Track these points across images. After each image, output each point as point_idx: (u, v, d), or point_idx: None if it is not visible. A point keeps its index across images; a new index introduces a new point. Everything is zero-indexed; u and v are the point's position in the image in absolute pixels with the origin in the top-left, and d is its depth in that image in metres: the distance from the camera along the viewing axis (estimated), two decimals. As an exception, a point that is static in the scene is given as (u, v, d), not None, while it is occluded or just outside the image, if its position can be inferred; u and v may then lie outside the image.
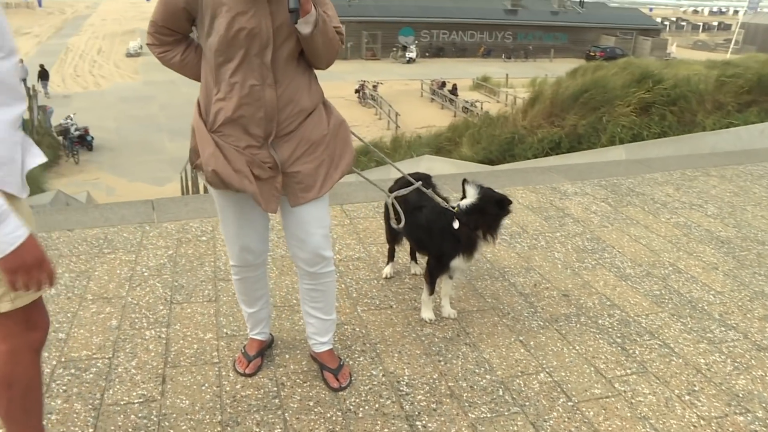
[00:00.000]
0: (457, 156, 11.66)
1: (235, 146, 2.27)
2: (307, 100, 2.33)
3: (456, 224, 2.99)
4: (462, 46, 49.80)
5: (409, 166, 10.50)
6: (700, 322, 3.36)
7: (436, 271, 3.16)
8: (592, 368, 2.91)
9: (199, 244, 4.09)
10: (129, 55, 46.04)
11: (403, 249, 3.80)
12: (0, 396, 1.87)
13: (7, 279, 1.58)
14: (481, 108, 28.60)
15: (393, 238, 3.60)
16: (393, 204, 3.10)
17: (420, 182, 3.18)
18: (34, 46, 49.00)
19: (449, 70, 42.05)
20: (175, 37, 2.30)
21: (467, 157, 11.24)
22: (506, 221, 3.14)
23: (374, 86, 34.57)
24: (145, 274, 3.68)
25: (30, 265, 1.58)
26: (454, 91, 34.22)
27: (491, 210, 3.00)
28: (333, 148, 2.43)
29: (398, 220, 3.10)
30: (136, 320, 3.19)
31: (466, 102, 31.30)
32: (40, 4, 77.99)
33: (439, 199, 3.09)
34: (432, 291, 3.22)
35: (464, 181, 3.11)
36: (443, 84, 35.64)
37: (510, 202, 3.02)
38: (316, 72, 2.42)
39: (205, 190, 12.51)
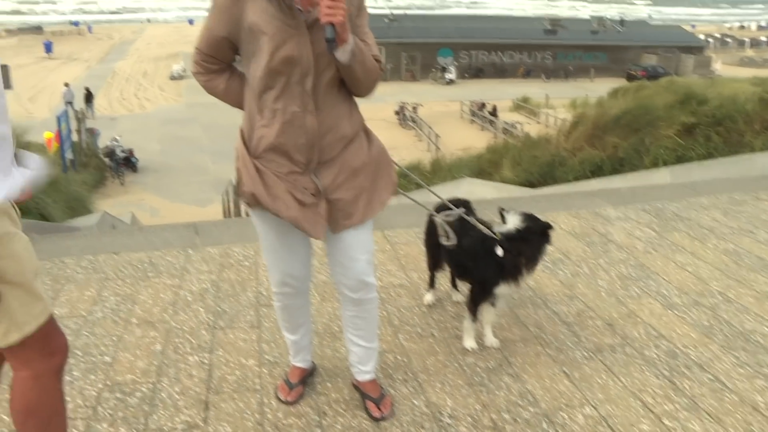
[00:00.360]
0: (498, 178, 11.59)
1: (277, 172, 2.29)
2: (348, 127, 2.35)
3: (499, 251, 2.97)
4: (501, 67, 49.72)
5: (450, 189, 10.48)
6: (755, 355, 3.24)
7: (478, 298, 3.13)
8: (639, 402, 2.83)
9: (242, 269, 4.13)
10: (173, 78, 47.05)
11: (445, 276, 3.78)
12: (25, 423, 1.89)
13: None
14: (522, 129, 28.45)
15: (434, 264, 3.58)
16: (442, 223, 3.09)
17: (462, 209, 3.17)
18: (84, 70, 50.41)
19: (489, 91, 42.00)
20: (219, 65, 2.35)
21: (508, 180, 11.17)
22: (548, 248, 3.10)
23: (414, 108, 34.68)
24: (189, 298, 3.73)
25: None
26: (494, 112, 34.14)
27: (534, 237, 2.98)
28: (374, 176, 2.44)
29: (448, 238, 3.08)
30: (180, 345, 3.22)
31: (507, 123, 31.18)
32: (90, 31, 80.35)
33: (481, 226, 3.07)
34: (474, 319, 3.18)
35: (501, 209, 3.10)
36: (483, 105, 35.58)
37: (551, 229, 2.99)
38: (358, 98, 2.44)
39: (247, 214, 12.64)
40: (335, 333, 3.32)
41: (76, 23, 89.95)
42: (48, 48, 58.07)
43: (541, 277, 4.04)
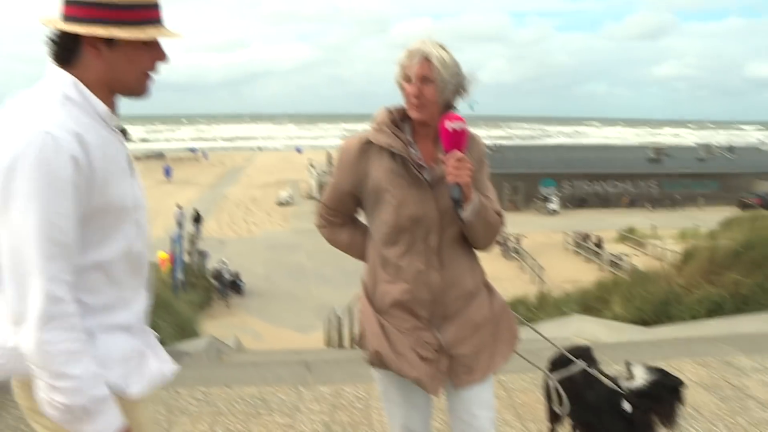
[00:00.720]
0: (609, 315, 11.13)
1: (400, 328, 2.28)
2: (471, 281, 2.34)
3: (628, 407, 2.77)
4: (605, 197, 49.15)
5: (558, 327, 10.14)
6: None
7: None
8: None
9: (354, 411, 4.04)
10: (280, 204, 49.12)
11: (566, 429, 3.55)
12: None
13: None
14: (629, 261, 27.61)
15: (554, 417, 3.38)
16: (555, 387, 2.93)
17: (581, 360, 3.02)
18: (198, 194, 53.60)
19: (592, 221, 41.37)
20: (343, 219, 2.42)
21: (619, 317, 10.70)
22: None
23: (517, 239, 34.52)
24: (301, 441, 3.66)
25: None
26: (599, 243, 33.45)
27: (665, 394, 2.78)
28: (496, 331, 2.40)
29: (561, 404, 2.91)
30: (292, 494, 3.13)
31: (613, 255, 30.38)
32: (206, 157, 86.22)
33: (605, 379, 2.90)
34: None
35: (627, 363, 2.93)
36: (587, 236, 34.99)
37: (683, 385, 2.79)
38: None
39: (353, 345, 12.66)
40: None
41: (194, 150, 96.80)
42: (167, 173, 62.42)
43: (672, 436, 3.73)
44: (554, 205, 46.46)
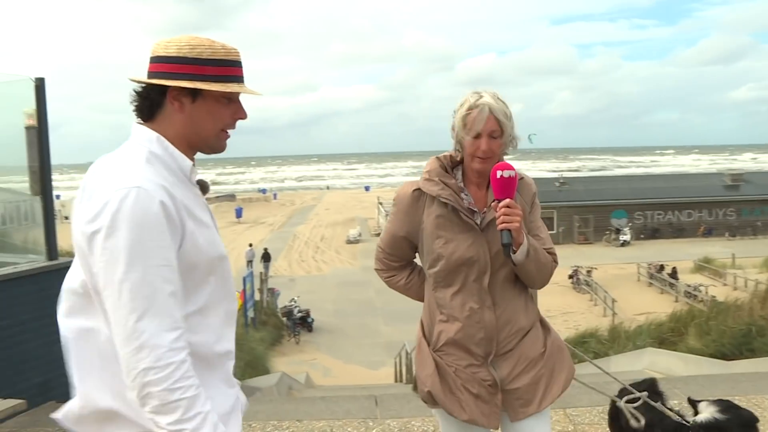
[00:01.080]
0: (684, 348, 10.80)
1: (456, 365, 2.36)
2: (524, 319, 2.41)
3: None
4: (679, 226, 47.58)
5: (630, 361, 9.91)
6: None
7: None
8: None
9: (421, 444, 4.08)
10: (348, 241, 49.54)
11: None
12: None
13: None
14: (706, 292, 26.61)
15: None
16: (627, 407, 2.91)
17: (645, 393, 2.98)
18: (268, 233, 54.67)
19: (666, 251, 40.11)
20: (400, 263, 2.54)
21: (695, 350, 10.36)
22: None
23: (588, 271, 33.80)
24: (368, 474, 3.71)
25: None
26: (673, 274, 32.38)
27: (735, 429, 2.72)
28: (552, 364, 2.45)
29: (639, 421, 2.89)
30: None
31: (689, 286, 29.34)
32: (275, 197, 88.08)
33: (669, 412, 2.86)
34: None
35: (690, 399, 2.88)
36: (661, 267, 33.93)
37: (757, 421, 2.72)
38: None
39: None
40: None
41: (263, 191, 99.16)
42: (238, 213, 64.09)
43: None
44: (626, 236, 45.27)
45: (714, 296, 22.19)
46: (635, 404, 2.93)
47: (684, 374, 7.09)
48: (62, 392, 5.31)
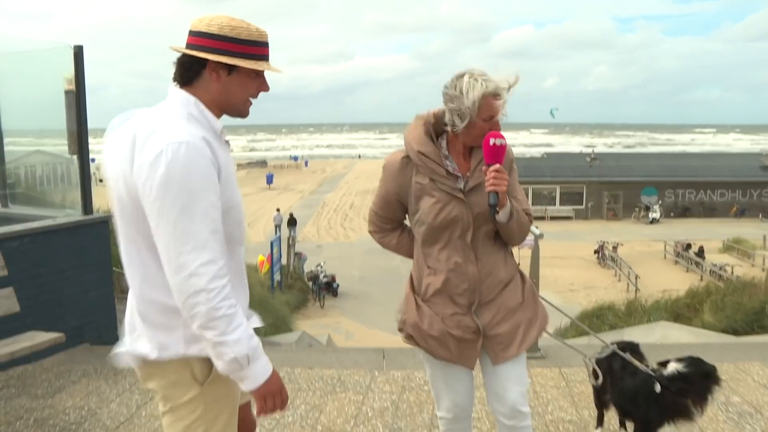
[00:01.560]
0: (698, 323, 10.96)
1: (442, 314, 2.65)
2: (504, 272, 2.69)
3: (657, 387, 3.02)
4: (711, 206, 47.02)
5: (644, 333, 10.11)
6: None
7: None
8: None
9: (421, 392, 4.42)
10: (378, 210, 49.89)
11: (615, 416, 3.79)
12: None
13: (257, 404, 1.99)
14: (732, 272, 26.49)
15: (601, 403, 3.63)
16: (588, 363, 3.21)
17: (615, 344, 3.27)
18: (298, 200, 55.28)
19: (696, 230, 39.77)
20: (391, 224, 2.83)
21: (708, 326, 10.53)
22: (717, 394, 3.07)
23: (614, 247, 33.76)
24: (369, 414, 4.07)
25: (274, 392, 1.98)
26: (700, 253, 32.20)
27: (695, 380, 3.00)
28: (529, 313, 2.72)
29: (596, 378, 3.19)
30: (357, 456, 3.54)
31: (714, 265, 29.22)
32: (306, 165, 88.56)
33: (638, 364, 3.14)
34: None
35: (660, 362, 3.16)
36: (689, 246, 33.75)
37: (715, 370, 3.00)
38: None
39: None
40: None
41: (295, 158, 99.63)
42: (269, 180, 64.77)
43: (721, 428, 3.89)
44: (655, 213, 44.93)
45: (739, 276, 22.09)
46: (605, 354, 3.23)
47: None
48: (95, 335, 5.78)
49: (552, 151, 61.96)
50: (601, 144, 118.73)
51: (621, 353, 3.20)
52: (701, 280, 26.53)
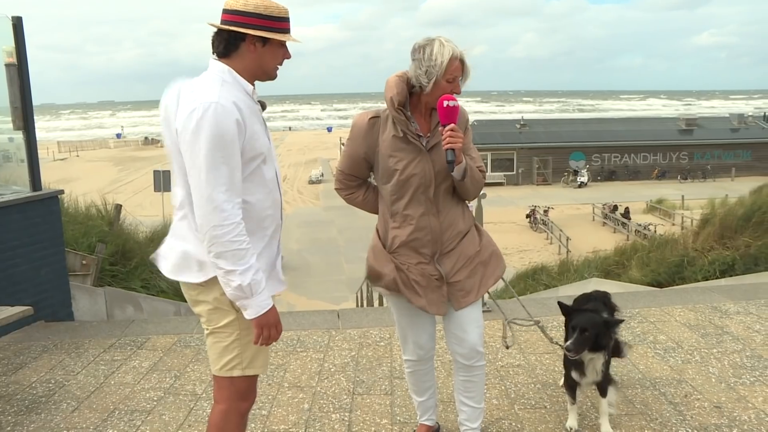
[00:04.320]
0: (626, 279, 11.61)
1: (408, 263, 2.91)
2: (462, 224, 2.97)
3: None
4: (635, 169, 48.96)
5: (576, 290, 10.64)
6: None
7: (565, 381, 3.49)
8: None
9: (378, 348, 4.70)
10: (311, 182, 49.87)
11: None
12: None
13: (255, 332, 2.30)
14: (655, 231, 27.79)
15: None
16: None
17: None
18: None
19: (622, 193, 41.44)
20: (357, 182, 3.06)
21: (636, 280, 11.18)
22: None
23: (545, 211, 34.84)
24: (332, 369, 4.33)
25: (271, 324, 2.32)
26: (626, 214, 33.63)
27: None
28: (486, 261, 3.01)
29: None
30: (324, 405, 3.80)
31: (639, 225, 30.61)
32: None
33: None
34: (572, 401, 3.49)
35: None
36: (615, 207, 35.17)
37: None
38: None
39: (380, 304, 13.36)
40: (457, 402, 3.78)
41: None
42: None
43: (650, 362, 4.31)
44: (583, 177, 46.45)
45: (661, 234, 23.22)
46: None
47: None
48: (50, 312, 5.81)
49: (482, 118, 62.80)
50: (528, 111, 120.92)
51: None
52: (627, 239, 27.76)
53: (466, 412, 3.16)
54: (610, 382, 3.39)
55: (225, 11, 2.32)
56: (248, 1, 2.30)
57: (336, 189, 3.14)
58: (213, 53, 2.38)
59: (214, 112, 2.18)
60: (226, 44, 2.33)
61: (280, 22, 2.34)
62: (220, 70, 2.34)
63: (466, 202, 3.04)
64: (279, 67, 2.44)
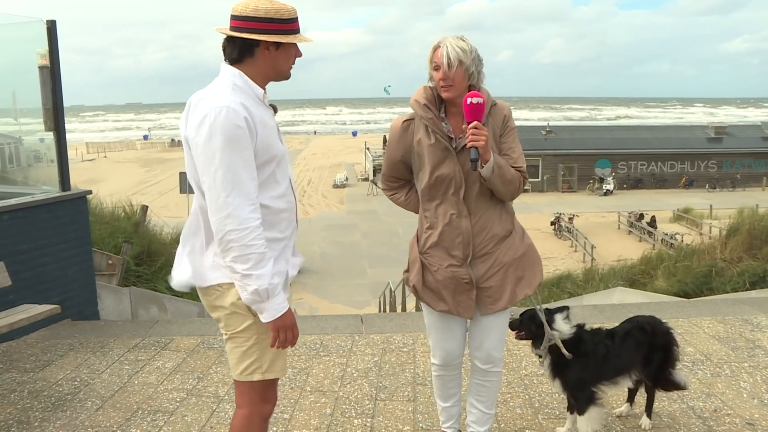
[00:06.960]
0: (651, 288, 11.49)
1: (438, 265, 2.90)
2: (499, 227, 2.92)
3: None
4: (661, 177, 48.36)
5: (602, 298, 10.55)
6: None
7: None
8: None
9: (401, 353, 4.68)
10: (335, 186, 49.95)
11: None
12: None
13: (272, 335, 2.29)
14: (682, 240, 27.43)
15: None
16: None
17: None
18: (257, 179, 54.83)
19: (648, 201, 40.95)
20: (399, 183, 3.08)
21: (661, 290, 11.05)
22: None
23: (570, 218, 34.57)
24: (354, 374, 4.31)
25: (287, 327, 2.31)
26: (652, 223, 33.23)
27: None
28: (522, 271, 2.97)
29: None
30: (346, 410, 3.79)
31: (666, 234, 30.21)
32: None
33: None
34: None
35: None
36: (641, 216, 34.78)
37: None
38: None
39: (403, 309, 13.33)
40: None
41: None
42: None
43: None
44: (609, 185, 45.99)
45: (688, 244, 22.93)
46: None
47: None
48: (76, 311, 5.87)
49: (507, 125, 62.38)
50: (554, 117, 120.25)
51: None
52: (653, 248, 27.41)
53: (475, 414, 3.15)
54: (579, 401, 3.26)
55: (235, 17, 2.30)
56: (258, 6, 2.28)
57: (382, 189, 3.19)
58: (225, 59, 2.37)
59: (226, 116, 2.18)
60: (240, 51, 2.32)
61: (290, 24, 2.33)
62: (232, 74, 2.34)
63: (506, 204, 2.98)
64: (292, 66, 2.44)
